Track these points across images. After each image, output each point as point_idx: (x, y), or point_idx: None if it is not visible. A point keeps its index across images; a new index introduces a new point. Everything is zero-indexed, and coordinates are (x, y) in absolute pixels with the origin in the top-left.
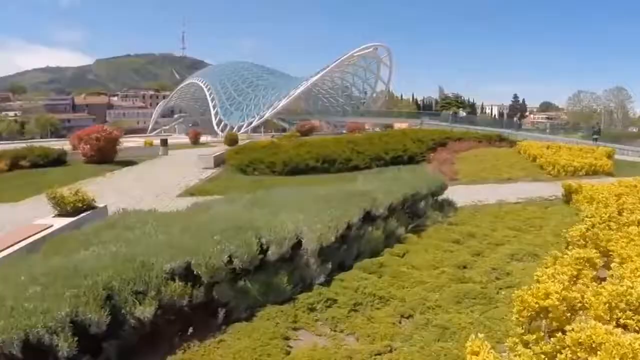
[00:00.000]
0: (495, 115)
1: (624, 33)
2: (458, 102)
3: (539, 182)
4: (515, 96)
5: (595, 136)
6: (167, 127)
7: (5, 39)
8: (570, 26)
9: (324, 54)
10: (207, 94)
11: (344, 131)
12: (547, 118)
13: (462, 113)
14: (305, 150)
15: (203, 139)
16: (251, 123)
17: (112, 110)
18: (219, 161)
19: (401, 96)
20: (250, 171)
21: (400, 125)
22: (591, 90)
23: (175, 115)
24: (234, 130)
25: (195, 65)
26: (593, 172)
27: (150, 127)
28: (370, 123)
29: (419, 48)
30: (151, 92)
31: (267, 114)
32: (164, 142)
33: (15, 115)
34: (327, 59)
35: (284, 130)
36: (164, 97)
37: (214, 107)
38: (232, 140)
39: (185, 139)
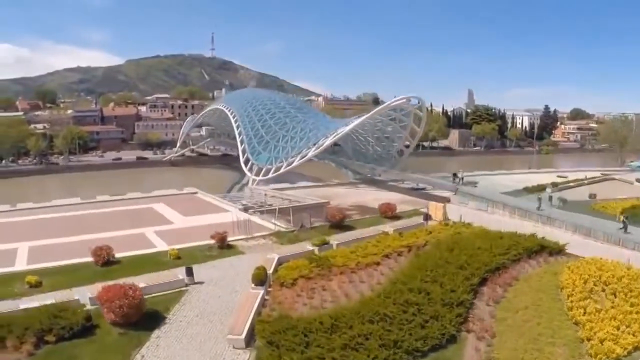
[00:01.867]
0: (525, 128)
1: None
2: (488, 115)
3: None
4: (547, 107)
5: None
6: (194, 147)
7: (37, 39)
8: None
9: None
10: (234, 125)
11: (378, 177)
12: (578, 129)
13: (461, 174)
14: None
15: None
16: (279, 168)
17: (141, 122)
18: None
19: (431, 108)
20: None
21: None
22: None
23: (204, 132)
24: (262, 173)
25: (224, 66)
26: None
27: (178, 144)
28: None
29: (448, 52)
30: (179, 102)
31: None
32: (189, 271)
33: (45, 127)
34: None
35: None
36: (192, 107)
37: (241, 142)
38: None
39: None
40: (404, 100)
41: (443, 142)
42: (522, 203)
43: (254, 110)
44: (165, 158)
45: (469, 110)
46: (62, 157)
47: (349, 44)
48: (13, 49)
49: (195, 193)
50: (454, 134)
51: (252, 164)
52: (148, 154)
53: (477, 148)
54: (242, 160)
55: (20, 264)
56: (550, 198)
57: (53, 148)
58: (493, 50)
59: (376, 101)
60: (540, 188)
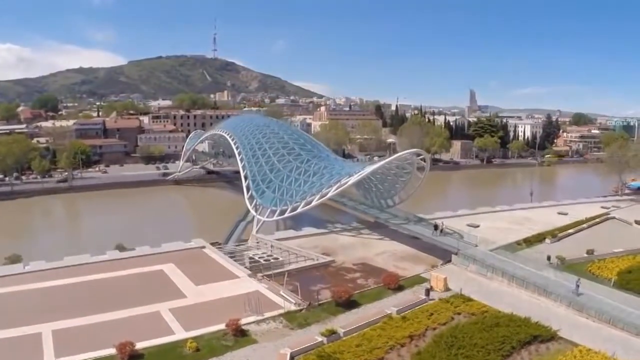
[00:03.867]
0: (528, 138)
1: None
2: (491, 126)
3: None
4: (549, 115)
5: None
6: (197, 167)
7: (40, 39)
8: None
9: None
10: (238, 158)
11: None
12: (581, 137)
13: (441, 225)
14: None
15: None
16: (283, 211)
17: (143, 135)
18: None
19: (434, 120)
20: None
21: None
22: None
23: (206, 146)
24: (266, 214)
25: (226, 67)
26: None
27: (182, 162)
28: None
29: (451, 51)
30: (182, 112)
31: (309, 203)
32: None
33: (47, 141)
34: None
35: None
36: (194, 117)
37: (245, 178)
38: None
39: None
40: (413, 152)
41: (445, 153)
42: (519, 270)
43: (257, 144)
44: (169, 177)
45: (471, 120)
46: (66, 173)
47: (351, 44)
48: (15, 49)
49: (203, 248)
50: (456, 145)
51: (257, 203)
52: (152, 168)
53: (479, 161)
54: (246, 196)
55: (49, 356)
56: (549, 258)
57: (56, 163)
58: (496, 49)
59: (378, 109)
60: (540, 238)
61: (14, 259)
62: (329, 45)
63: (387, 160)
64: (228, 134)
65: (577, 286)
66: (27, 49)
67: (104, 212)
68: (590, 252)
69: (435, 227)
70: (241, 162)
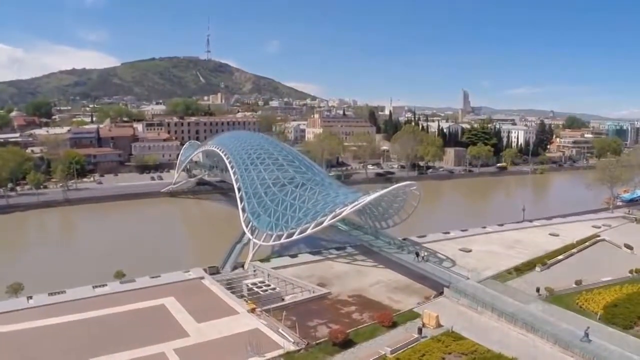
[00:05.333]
0: (521, 145)
1: None
2: (484, 134)
3: None
4: (542, 122)
5: None
6: (192, 180)
7: (32, 39)
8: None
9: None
10: (233, 178)
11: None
12: (574, 142)
13: (422, 253)
14: None
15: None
16: (279, 236)
17: (137, 144)
18: None
19: (427, 126)
20: None
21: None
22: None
23: (201, 157)
24: (262, 238)
25: (219, 69)
26: None
27: (176, 175)
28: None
29: (444, 52)
30: (176, 120)
31: (304, 231)
32: None
33: (41, 151)
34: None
35: None
36: (188, 124)
37: (240, 199)
38: None
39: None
40: (407, 184)
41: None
42: (509, 305)
43: (252, 164)
44: (164, 189)
45: (464, 126)
46: (61, 184)
47: (344, 44)
48: (7, 49)
49: (202, 278)
50: (450, 153)
51: (253, 226)
52: (146, 178)
53: (474, 169)
54: (242, 218)
55: None
56: (538, 290)
57: (50, 174)
58: (489, 50)
59: (372, 114)
60: (530, 266)
61: (16, 288)
62: (322, 46)
63: (381, 193)
64: (222, 151)
65: (587, 334)
66: (19, 50)
67: (101, 228)
68: (578, 282)
69: (417, 254)
70: (236, 182)
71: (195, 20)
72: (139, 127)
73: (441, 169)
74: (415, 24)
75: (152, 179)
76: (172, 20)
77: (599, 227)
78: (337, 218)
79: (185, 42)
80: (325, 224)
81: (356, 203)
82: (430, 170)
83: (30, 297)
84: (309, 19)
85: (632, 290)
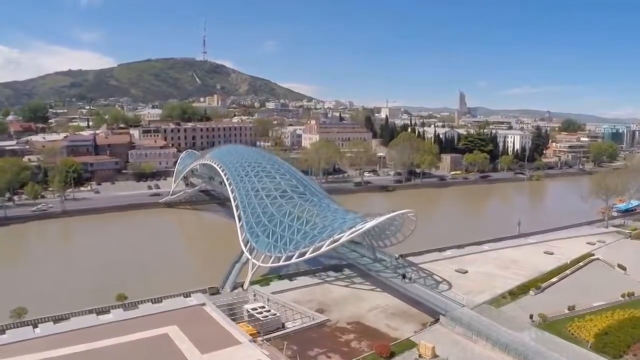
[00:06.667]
0: (517, 150)
1: None
2: (480, 140)
3: None
4: (538, 127)
5: None
6: (190, 191)
7: (28, 40)
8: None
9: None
10: (231, 196)
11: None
12: (570, 147)
13: (409, 274)
14: None
15: None
16: (278, 259)
17: (134, 151)
18: None
19: (424, 132)
20: None
21: None
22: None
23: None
24: (261, 260)
25: (216, 70)
26: None
27: (173, 185)
28: None
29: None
30: (172, 126)
31: (302, 254)
32: None
33: (38, 159)
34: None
35: None
36: (185, 131)
37: (239, 218)
38: None
39: None
40: (405, 212)
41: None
42: (502, 335)
43: (250, 182)
44: (162, 200)
45: (461, 132)
46: (58, 194)
47: (340, 44)
48: (4, 50)
49: (203, 305)
50: (446, 159)
51: (251, 246)
52: (143, 187)
53: (470, 176)
54: (240, 238)
55: None
56: (532, 317)
57: (48, 183)
58: (486, 50)
59: (368, 119)
60: (525, 290)
61: (20, 312)
62: (319, 46)
63: (379, 220)
64: (219, 166)
65: None
66: (15, 50)
67: (101, 242)
68: (571, 308)
69: (404, 276)
70: (234, 200)
71: (191, 21)
72: (136, 133)
73: (438, 178)
74: (412, 24)
75: (149, 187)
76: (168, 21)
77: (594, 244)
78: (335, 245)
79: (182, 43)
80: (322, 249)
81: (353, 230)
82: (425, 176)
83: (36, 326)
84: (305, 19)
85: (623, 316)
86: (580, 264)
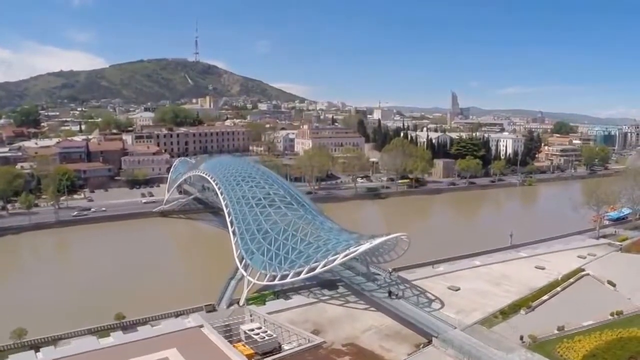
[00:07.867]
0: (510, 154)
1: None
2: (473, 145)
3: None
4: (531, 131)
5: None
6: (184, 200)
7: (19, 40)
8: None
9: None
10: (225, 211)
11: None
12: (562, 151)
13: (396, 291)
14: None
15: None
16: (273, 277)
17: (127, 158)
18: None
19: (416, 137)
20: None
21: None
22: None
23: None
24: (256, 277)
25: (208, 71)
26: None
27: (167, 194)
28: None
29: (429, 52)
30: (165, 131)
31: (298, 273)
32: None
33: (31, 167)
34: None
35: None
36: (177, 136)
37: (233, 234)
38: None
39: None
40: (398, 235)
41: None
42: (493, 356)
43: (243, 197)
44: (156, 209)
45: (454, 136)
46: (52, 203)
47: (332, 44)
48: None
49: (201, 327)
50: (439, 165)
51: (246, 262)
52: (137, 194)
53: (462, 181)
54: (235, 254)
55: None
56: (522, 338)
57: (41, 191)
58: (478, 50)
59: (361, 123)
60: (515, 309)
61: (19, 333)
62: (310, 46)
63: (374, 244)
64: (213, 179)
65: None
66: (6, 51)
67: (96, 255)
68: (560, 328)
69: (390, 293)
70: (229, 216)
71: (183, 22)
72: (128, 139)
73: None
74: (404, 24)
75: (143, 195)
76: (160, 21)
77: (584, 258)
78: (329, 267)
79: (173, 44)
80: (317, 271)
81: (347, 252)
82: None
83: (38, 350)
84: (297, 20)
85: (611, 337)
86: (571, 280)
